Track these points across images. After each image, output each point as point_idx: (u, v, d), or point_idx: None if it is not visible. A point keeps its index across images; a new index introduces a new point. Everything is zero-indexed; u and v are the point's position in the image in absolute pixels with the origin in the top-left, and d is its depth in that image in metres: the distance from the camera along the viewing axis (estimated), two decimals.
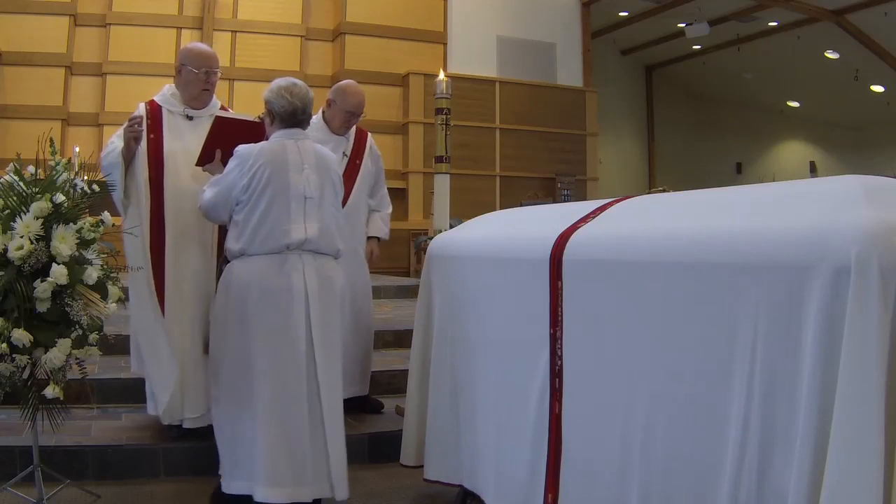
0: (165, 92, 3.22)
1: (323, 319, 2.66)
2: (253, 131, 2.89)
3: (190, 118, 3.16)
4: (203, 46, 3.28)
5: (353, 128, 3.78)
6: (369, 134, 3.87)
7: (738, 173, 17.05)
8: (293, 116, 2.74)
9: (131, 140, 3.00)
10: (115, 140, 3.07)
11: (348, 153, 3.71)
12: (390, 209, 3.99)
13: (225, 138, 2.89)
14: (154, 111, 3.13)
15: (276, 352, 2.59)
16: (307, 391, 2.60)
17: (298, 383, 2.58)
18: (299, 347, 2.60)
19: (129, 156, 3.02)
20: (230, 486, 2.60)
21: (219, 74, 3.22)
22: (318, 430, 2.60)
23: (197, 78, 3.13)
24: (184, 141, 3.09)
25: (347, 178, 3.51)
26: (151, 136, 3.06)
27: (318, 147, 2.82)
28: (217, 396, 2.72)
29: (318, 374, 2.62)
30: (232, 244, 2.69)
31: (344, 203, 3.11)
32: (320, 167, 2.75)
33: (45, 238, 2.41)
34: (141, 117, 3.04)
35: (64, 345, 2.42)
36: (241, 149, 2.71)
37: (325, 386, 2.62)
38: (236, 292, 2.63)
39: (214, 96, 3.27)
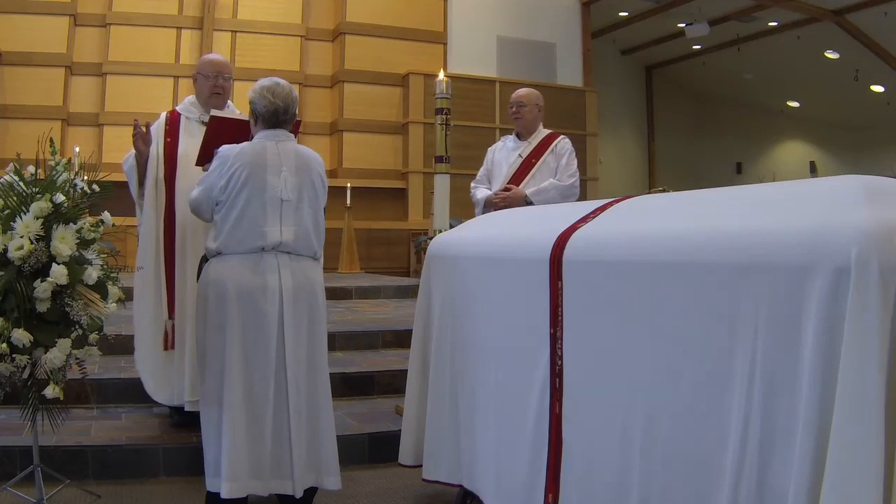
0: (186, 101, 3.50)
1: (296, 319, 2.68)
2: (249, 130, 2.90)
3: (205, 123, 3.25)
4: (214, 55, 3.56)
5: (542, 133, 4.21)
6: (561, 137, 4.24)
7: (738, 173, 17.05)
8: (275, 116, 2.74)
9: (138, 142, 3.23)
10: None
11: (524, 155, 4.17)
12: (566, 183, 4.13)
13: (221, 137, 2.91)
14: (173, 118, 3.40)
15: (248, 350, 2.62)
16: (274, 390, 2.63)
17: (265, 382, 2.62)
18: (270, 347, 2.63)
19: (141, 160, 3.28)
20: (210, 482, 2.62)
21: (230, 80, 3.44)
22: (282, 427, 2.63)
23: (207, 83, 3.37)
24: (198, 143, 3.18)
25: (520, 173, 4.12)
26: (168, 139, 3.33)
27: (300, 148, 2.82)
28: (201, 393, 2.74)
29: (286, 374, 2.64)
30: (210, 243, 2.73)
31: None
32: (300, 169, 2.74)
33: (45, 238, 2.41)
34: (147, 123, 3.31)
35: (64, 345, 2.42)
36: (223, 149, 2.73)
37: (293, 384, 2.64)
38: (213, 291, 2.66)
39: (231, 103, 3.49)
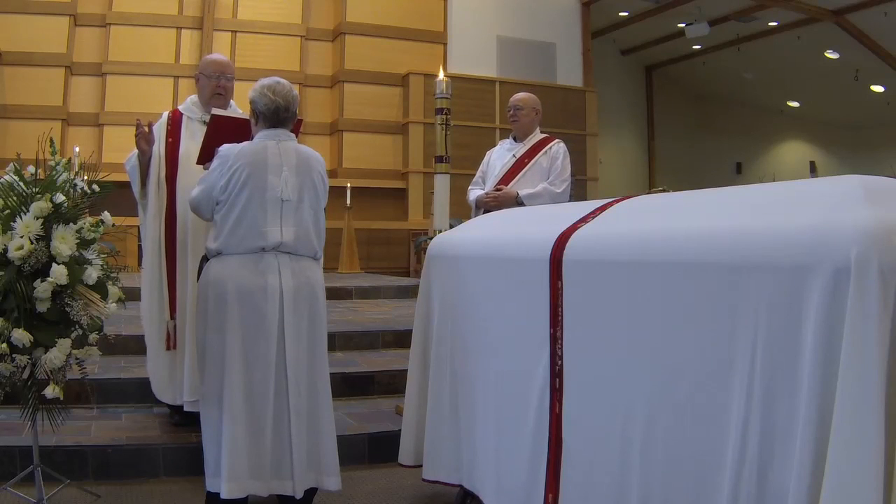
0: (188, 101, 3.49)
1: (296, 320, 2.68)
2: (250, 130, 2.90)
3: (206, 123, 3.25)
4: (216, 55, 3.56)
5: (537, 136, 4.28)
6: (556, 141, 4.30)
7: (738, 173, 17.06)
8: (276, 115, 2.73)
9: (141, 141, 3.22)
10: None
11: (518, 155, 4.25)
12: (558, 189, 4.18)
13: (223, 136, 2.91)
14: (175, 118, 3.40)
15: (248, 350, 2.62)
16: (274, 390, 2.63)
17: (266, 382, 2.61)
18: (270, 347, 2.63)
19: (143, 159, 3.28)
20: (210, 483, 2.62)
21: (233, 80, 3.44)
22: (283, 428, 2.63)
23: (209, 83, 3.37)
24: (199, 143, 3.18)
25: (510, 173, 4.19)
26: (170, 139, 3.35)
27: (301, 148, 2.81)
28: (202, 393, 2.75)
29: (287, 374, 2.64)
30: (210, 243, 2.73)
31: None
32: (301, 169, 2.74)
33: (45, 238, 2.41)
34: (149, 123, 3.30)
35: (64, 345, 2.42)
36: (224, 149, 2.72)
37: (293, 385, 2.64)
38: (213, 291, 2.66)
39: (233, 103, 3.47)
